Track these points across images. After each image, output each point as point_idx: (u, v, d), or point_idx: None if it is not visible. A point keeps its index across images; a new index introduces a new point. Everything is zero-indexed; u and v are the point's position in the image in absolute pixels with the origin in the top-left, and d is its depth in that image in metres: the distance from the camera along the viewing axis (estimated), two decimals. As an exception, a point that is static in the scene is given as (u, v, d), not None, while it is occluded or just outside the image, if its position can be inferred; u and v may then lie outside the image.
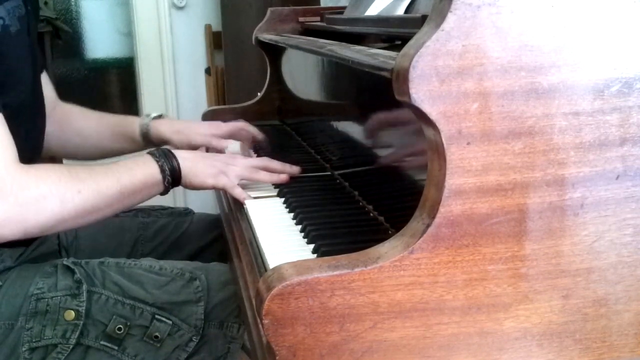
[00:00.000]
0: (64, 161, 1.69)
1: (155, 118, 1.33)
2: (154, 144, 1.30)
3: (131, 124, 1.33)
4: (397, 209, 0.88)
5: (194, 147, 1.26)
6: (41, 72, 1.18)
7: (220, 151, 1.26)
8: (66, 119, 1.31)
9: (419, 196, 0.64)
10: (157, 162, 1.03)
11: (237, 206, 1.07)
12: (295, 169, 1.13)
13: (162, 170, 1.02)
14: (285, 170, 1.12)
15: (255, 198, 1.06)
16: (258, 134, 1.36)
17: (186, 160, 1.05)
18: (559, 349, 0.67)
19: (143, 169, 1.02)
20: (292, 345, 0.61)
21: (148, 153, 1.05)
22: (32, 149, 1.09)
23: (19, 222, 0.90)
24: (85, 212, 0.95)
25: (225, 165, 1.08)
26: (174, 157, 1.04)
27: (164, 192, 1.05)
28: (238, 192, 1.06)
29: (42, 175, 0.93)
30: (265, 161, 1.12)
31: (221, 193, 1.20)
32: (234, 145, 1.37)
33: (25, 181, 0.91)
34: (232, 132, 1.34)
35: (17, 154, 0.93)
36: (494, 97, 0.61)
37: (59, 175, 0.94)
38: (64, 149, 1.33)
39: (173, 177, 1.03)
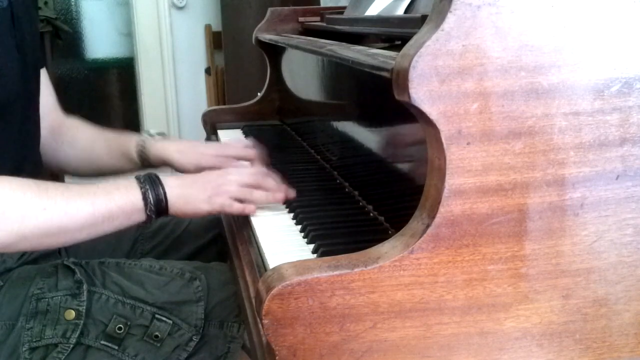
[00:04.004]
0: (65, 179, 1.59)
1: (155, 136, 1.25)
2: (151, 165, 1.22)
3: (128, 141, 1.23)
4: (397, 209, 0.88)
5: (199, 169, 1.12)
6: (40, 67, 1.15)
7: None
8: (61, 127, 1.25)
9: (419, 196, 0.64)
10: (141, 188, 0.93)
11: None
12: (291, 194, 1.02)
13: (145, 198, 0.93)
14: (281, 189, 1.02)
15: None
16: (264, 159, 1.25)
17: (174, 188, 0.95)
18: (559, 349, 0.67)
19: (123, 195, 0.93)
20: (292, 345, 0.61)
21: (135, 177, 0.96)
22: (21, 154, 1.05)
23: None
24: (50, 232, 0.89)
25: (218, 187, 0.98)
26: (161, 184, 0.94)
27: (147, 222, 0.95)
28: (237, 208, 0.97)
29: (5, 187, 0.87)
30: (260, 178, 1.02)
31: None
32: None
33: None
34: (240, 155, 1.21)
35: None
36: (494, 97, 0.61)
37: (24, 190, 0.88)
38: (54, 159, 1.25)
39: (158, 207, 0.94)
